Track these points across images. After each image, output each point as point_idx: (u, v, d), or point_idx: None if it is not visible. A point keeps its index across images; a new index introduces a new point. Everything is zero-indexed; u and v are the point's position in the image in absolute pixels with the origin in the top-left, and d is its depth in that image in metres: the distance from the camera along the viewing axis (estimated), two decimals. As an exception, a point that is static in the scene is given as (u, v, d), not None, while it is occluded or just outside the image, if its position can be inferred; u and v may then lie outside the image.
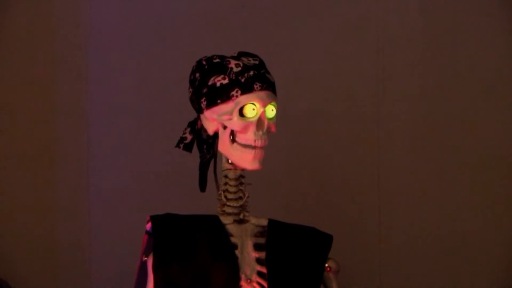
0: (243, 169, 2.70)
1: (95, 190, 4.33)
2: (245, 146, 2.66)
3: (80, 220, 4.30)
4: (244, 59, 2.71)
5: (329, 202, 4.36)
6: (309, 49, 4.39)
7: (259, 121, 2.66)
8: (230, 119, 2.66)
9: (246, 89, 2.65)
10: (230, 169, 2.71)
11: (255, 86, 2.65)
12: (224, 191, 2.70)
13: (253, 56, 2.75)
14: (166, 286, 2.60)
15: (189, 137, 2.75)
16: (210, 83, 2.67)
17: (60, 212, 4.31)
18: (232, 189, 2.69)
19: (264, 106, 2.66)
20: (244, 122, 2.65)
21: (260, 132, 2.66)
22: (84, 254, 4.29)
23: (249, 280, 2.62)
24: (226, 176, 2.70)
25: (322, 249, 2.74)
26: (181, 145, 2.75)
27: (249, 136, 2.66)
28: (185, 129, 2.77)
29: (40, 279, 4.16)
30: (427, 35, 4.39)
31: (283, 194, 4.29)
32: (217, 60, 2.70)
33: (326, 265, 2.76)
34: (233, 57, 2.71)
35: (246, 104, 2.65)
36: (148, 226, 2.67)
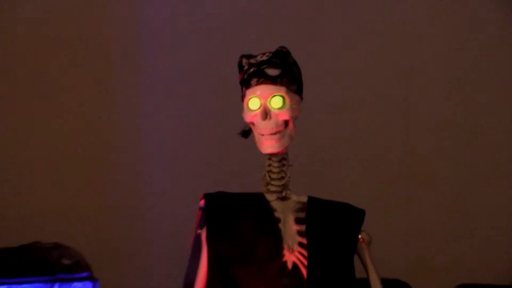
0: (285, 152, 2.91)
1: (146, 186, 4.55)
2: (260, 134, 2.89)
3: (134, 214, 4.55)
4: (258, 56, 2.92)
5: (357, 189, 4.52)
6: (342, 45, 4.50)
7: (263, 112, 2.85)
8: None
9: (247, 85, 2.89)
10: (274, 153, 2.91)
11: (252, 82, 2.87)
12: (268, 172, 2.89)
13: (271, 52, 2.92)
14: (218, 256, 2.81)
15: (247, 127, 2.99)
16: (239, 80, 2.97)
17: (115, 208, 4.56)
18: (275, 170, 2.88)
19: (264, 98, 2.85)
20: (250, 114, 2.88)
21: (265, 122, 2.85)
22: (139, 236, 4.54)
23: (291, 250, 2.81)
24: (269, 159, 2.90)
25: (355, 222, 2.91)
26: (240, 133, 3.00)
27: (258, 126, 2.89)
28: None
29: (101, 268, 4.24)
30: (454, 29, 4.46)
31: (315, 180, 4.45)
32: (239, 59, 2.96)
33: (359, 236, 2.91)
34: (249, 56, 2.95)
35: (250, 98, 2.88)
36: (202, 202, 2.89)
